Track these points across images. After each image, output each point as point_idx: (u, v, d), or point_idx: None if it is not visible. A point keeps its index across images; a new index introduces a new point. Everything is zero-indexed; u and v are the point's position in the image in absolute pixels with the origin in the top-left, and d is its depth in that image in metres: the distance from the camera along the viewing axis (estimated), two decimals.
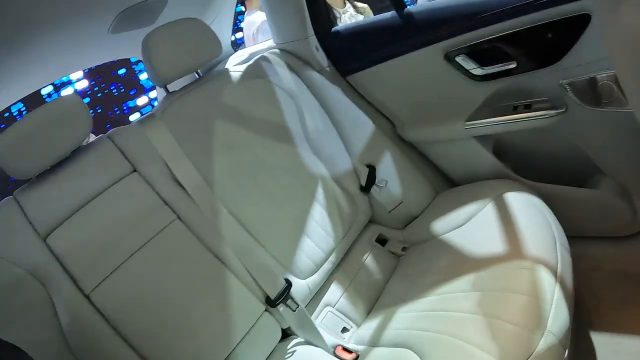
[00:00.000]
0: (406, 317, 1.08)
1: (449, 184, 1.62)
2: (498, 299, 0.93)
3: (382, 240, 1.45)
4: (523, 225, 1.11)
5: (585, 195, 1.32)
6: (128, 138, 1.23)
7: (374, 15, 2.79)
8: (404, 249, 1.40)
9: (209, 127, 1.29)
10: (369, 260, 1.37)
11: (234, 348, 1.09)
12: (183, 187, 1.19)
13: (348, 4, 2.68)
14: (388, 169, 1.47)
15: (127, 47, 1.73)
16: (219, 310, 1.10)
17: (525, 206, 1.18)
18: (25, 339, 0.89)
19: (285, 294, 1.15)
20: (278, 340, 1.18)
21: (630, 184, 1.28)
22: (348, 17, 2.62)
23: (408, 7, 1.39)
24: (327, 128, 1.47)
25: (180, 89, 1.35)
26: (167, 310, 1.06)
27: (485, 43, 1.27)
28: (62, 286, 0.99)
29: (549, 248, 1.03)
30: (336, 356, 1.12)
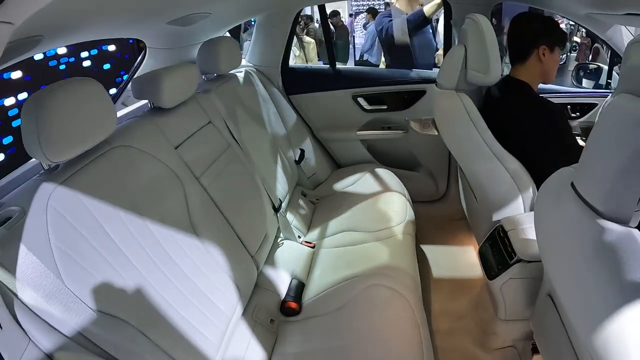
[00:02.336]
0: (337, 222, 2.05)
1: (338, 166, 2.68)
2: (385, 206, 2.03)
3: (303, 195, 2.38)
4: (387, 183, 2.23)
5: (412, 175, 2.54)
6: (203, 100, 1.74)
7: (317, 51, 3.70)
8: (317, 199, 2.38)
9: (234, 107, 2.00)
10: (301, 202, 2.27)
11: (266, 233, 1.73)
12: (234, 137, 1.81)
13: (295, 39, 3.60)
14: (309, 152, 2.47)
15: (147, 33, 1.83)
16: (259, 209, 1.78)
17: (387, 175, 2.31)
18: (166, 215, 1.27)
19: (280, 205, 1.95)
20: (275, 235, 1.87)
21: (434, 172, 2.55)
22: None
23: (337, 65, 2.51)
24: (280, 124, 2.38)
25: (212, 79, 2.02)
26: (238, 206, 1.63)
27: (373, 94, 2.44)
28: (191, 181, 1.43)
29: (402, 191, 2.18)
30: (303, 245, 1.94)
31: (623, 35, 1.92)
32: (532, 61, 1.66)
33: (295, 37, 3.68)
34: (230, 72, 2.15)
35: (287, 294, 1.64)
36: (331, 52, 2.57)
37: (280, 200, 1.99)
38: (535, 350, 1.55)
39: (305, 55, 3.74)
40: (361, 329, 1.40)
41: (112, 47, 3.26)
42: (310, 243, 1.97)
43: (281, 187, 2.10)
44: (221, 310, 1.32)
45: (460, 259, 2.28)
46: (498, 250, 1.57)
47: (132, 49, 3.37)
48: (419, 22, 3.04)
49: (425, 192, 2.58)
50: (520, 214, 1.63)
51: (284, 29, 2.45)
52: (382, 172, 2.36)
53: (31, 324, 0.84)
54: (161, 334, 1.11)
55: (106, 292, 1.01)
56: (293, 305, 1.58)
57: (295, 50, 3.69)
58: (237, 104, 2.04)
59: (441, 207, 2.62)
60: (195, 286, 1.27)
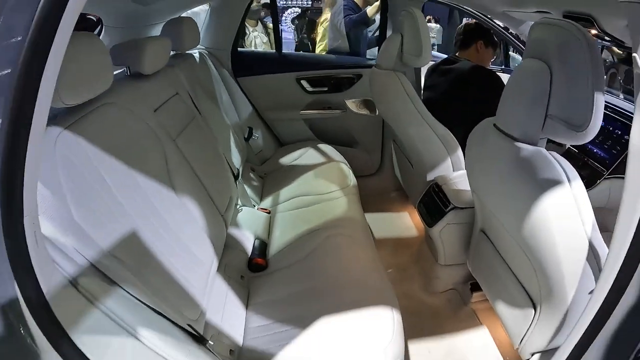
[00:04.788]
0: (287, 190, 2.18)
1: (282, 144, 2.80)
2: (330, 174, 2.20)
3: (252, 170, 2.49)
4: (330, 155, 2.40)
5: (350, 151, 2.72)
6: (169, 73, 1.75)
7: None
8: (265, 174, 2.49)
9: (193, 84, 2.03)
10: (252, 175, 2.37)
11: (231, 196, 1.79)
12: (197, 108, 1.83)
13: (260, 25, 3.68)
14: (257, 130, 2.57)
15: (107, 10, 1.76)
16: (224, 174, 1.83)
17: (328, 150, 2.48)
18: (149, 171, 1.30)
19: (239, 174, 2.04)
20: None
21: (369, 147, 2.77)
22: (255, 35, 3.63)
23: (283, 51, 2.66)
24: (230, 103, 2.47)
25: (172, 57, 2.01)
26: (207, 169, 1.67)
27: (315, 77, 2.61)
28: (169, 142, 1.47)
29: (343, 161, 2.36)
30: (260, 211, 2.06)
31: None
32: (472, 50, 2.27)
33: (262, 25, 3.84)
34: (187, 52, 2.19)
35: (252, 252, 1.74)
36: (278, 39, 2.70)
37: (238, 169, 2.08)
38: (473, 289, 1.81)
39: (270, 41, 3.85)
40: (330, 271, 1.52)
41: None
42: (265, 209, 2.08)
43: (235, 160, 2.18)
44: (201, 261, 1.39)
45: (398, 223, 2.53)
46: (434, 203, 1.81)
47: None
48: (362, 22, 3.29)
49: (361, 167, 2.77)
50: (449, 173, 1.90)
51: (237, 14, 2.52)
52: (324, 147, 2.53)
53: (53, 251, 0.88)
54: (153, 275, 1.15)
55: (108, 232, 1.05)
56: (260, 261, 1.68)
57: (263, 37, 3.80)
58: (195, 82, 2.08)
59: (376, 180, 2.85)
60: (178, 237, 1.33)
